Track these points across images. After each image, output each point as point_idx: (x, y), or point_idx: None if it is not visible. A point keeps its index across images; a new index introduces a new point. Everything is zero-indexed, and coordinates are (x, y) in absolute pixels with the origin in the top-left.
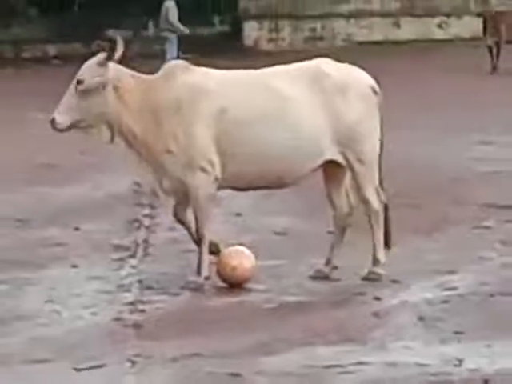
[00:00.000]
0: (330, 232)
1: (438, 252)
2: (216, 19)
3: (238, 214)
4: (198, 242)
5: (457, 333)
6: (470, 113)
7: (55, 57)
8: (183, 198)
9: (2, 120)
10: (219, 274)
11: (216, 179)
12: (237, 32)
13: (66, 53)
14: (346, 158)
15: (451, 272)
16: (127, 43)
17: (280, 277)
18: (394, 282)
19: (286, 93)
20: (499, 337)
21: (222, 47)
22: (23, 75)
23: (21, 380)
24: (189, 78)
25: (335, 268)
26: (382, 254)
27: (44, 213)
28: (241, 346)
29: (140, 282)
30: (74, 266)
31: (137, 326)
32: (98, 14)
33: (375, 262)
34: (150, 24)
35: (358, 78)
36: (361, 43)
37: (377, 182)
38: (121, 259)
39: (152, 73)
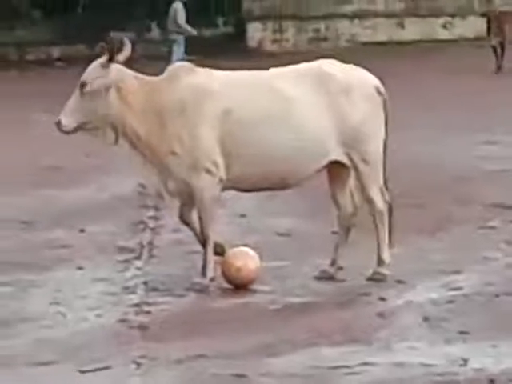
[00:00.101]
0: (334, 232)
1: (443, 252)
2: (220, 20)
3: (243, 215)
4: (203, 243)
5: (462, 333)
6: (475, 113)
7: (59, 59)
8: (188, 199)
9: (6, 122)
10: (224, 275)
11: (220, 180)
12: (240, 33)
13: (70, 55)
14: (351, 159)
15: (456, 272)
16: (131, 45)
17: (284, 278)
18: (399, 282)
19: (291, 94)
20: (504, 337)
21: (226, 48)
22: (27, 77)
23: (25, 382)
24: (193, 79)
25: (340, 268)
26: (386, 255)
27: (49, 215)
28: (246, 347)
29: (145, 283)
30: (79, 268)
31: (142, 327)
32: (102, 16)
33: (380, 262)
34: (154, 26)
35: (362, 78)
36: (365, 44)
37: (381, 182)
38: (126, 261)
39: (156, 75)
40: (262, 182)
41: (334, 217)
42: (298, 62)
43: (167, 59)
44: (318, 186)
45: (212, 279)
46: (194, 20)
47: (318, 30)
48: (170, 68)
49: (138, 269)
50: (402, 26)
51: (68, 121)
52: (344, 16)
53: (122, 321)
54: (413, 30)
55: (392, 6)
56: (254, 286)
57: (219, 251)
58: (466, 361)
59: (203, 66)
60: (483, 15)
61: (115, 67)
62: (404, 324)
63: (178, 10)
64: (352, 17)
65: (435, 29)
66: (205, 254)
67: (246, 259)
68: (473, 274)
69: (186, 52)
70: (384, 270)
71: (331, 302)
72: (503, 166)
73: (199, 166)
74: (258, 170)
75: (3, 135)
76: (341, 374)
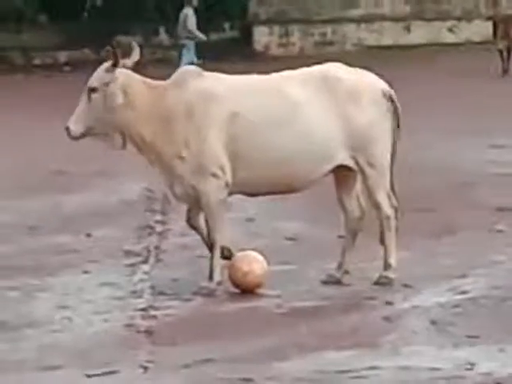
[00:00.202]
0: (341, 236)
1: (450, 256)
2: (226, 25)
3: (250, 220)
4: (210, 247)
5: (469, 337)
6: (482, 116)
7: (66, 63)
8: (194, 203)
9: (12, 126)
10: (231, 279)
11: (227, 185)
12: (247, 37)
13: (77, 59)
14: (357, 163)
15: (463, 276)
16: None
17: (291, 282)
18: (406, 286)
19: (298, 97)
20: None
21: (232, 53)
22: (33, 82)
23: None
24: (200, 83)
25: (347, 272)
26: (393, 259)
27: (55, 219)
28: (253, 351)
29: (152, 287)
30: (86, 273)
31: (149, 331)
32: (109, 21)
33: (387, 266)
34: (162, 30)
35: (369, 82)
36: (371, 48)
37: (388, 187)
38: (133, 265)
39: (163, 79)
40: (269, 186)
41: (341, 221)
42: (304, 66)
43: (177, 64)
44: (324, 190)
45: (219, 283)
46: (201, 24)
47: (324, 34)
48: (178, 72)
49: (145, 273)
50: (408, 29)
51: (76, 126)
52: (350, 20)
53: (129, 325)
54: (419, 33)
55: (398, 9)
56: (261, 290)
57: (227, 255)
58: (473, 365)
59: (210, 70)
60: (489, 19)
61: (122, 72)
62: (411, 328)
63: (189, 15)
64: (358, 21)
65: (441, 32)
66: (212, 258)
67: (252, 263)
68: (480, 278)
69: (199, 57)
70: (391, 274)
71: (338, 306)
72: (510, 170)
73: (206, 170)
74: (265, 173)
75: (8, 139)
76: (347, 378)
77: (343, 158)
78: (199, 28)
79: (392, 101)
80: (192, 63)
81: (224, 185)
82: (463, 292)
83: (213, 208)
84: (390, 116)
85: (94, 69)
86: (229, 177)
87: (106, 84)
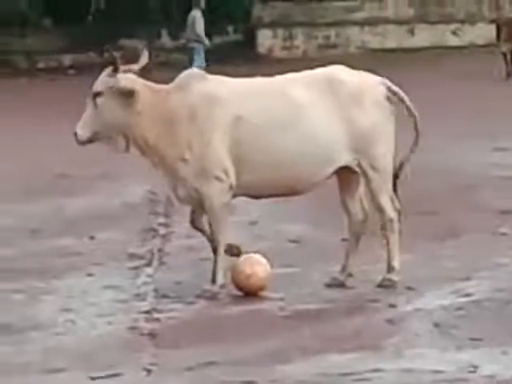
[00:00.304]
0: (344, 239)
1: (454, 258)
2: (230, 28)
3: (253, 222)
4: (214, 250)
5: (472, 339)
6: (485, 119)
7: (70, 67)
8: (198, 205)
9: (16, 130)
10: (234, 282)
11: (231, 188)
12: (250, 40)
13: (81, 63)
14: (360, 165)
15: (467, 278)
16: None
17: (294, 284)
18: (409, 288)
19: (302, 100)
20: None
21: (236, 55)
22: (38, 85)
23: None
24: (204, 86)
25: (350, 275)
26: (396, 261)
27: (59, 222)
28: (256, 354)
29: (155, 290)
30: (90, 275)
31: (152, 334)
32: (113, 24)
33: (390, 269)
34: (165, 33)
35: (371, 84)
36: (375, 51)
37: (391, 189)
38: (136, 268)
39: (166, 83)
40: (272, 188)
41: (345, 224)
42: (307, 69)
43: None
44: (328, 192)
45: (222, 286)
46: (205, 27)
47: (327, 37)
48: (181, 75)
49: (149, 276)
50: (412, 32)
51: (83, 131)
52: (354, 23)
53: (133, 328)
54: (423, 36)
55: (402, 12)
56: (264, 293)
57: (236, 252)
58: (476, 367)
59: (213, 73)
60: (493, 22)
61: (125, 76)
62: (414, 331)
63: (197, 17)
64: (362, 23)
65: (445, 35)
66: (215, 261)
67: (255, 266)
68: (483, 281)
69: (205, 60)
70: (394, 277)
71: (341, 308)
72: None
73: (209, 173)
74: (269, 176)
75: (12, 142)
76: (351, 381)
77: (346, 159)
78: (206, 30)
79: (402, 101)
80: (201, 67)
81: (228, 188)
82: (467, 295)
83: (216, 211)
84: (394, 118)
85: (99, 72)
86: (232, 180)
87: (110, 88)
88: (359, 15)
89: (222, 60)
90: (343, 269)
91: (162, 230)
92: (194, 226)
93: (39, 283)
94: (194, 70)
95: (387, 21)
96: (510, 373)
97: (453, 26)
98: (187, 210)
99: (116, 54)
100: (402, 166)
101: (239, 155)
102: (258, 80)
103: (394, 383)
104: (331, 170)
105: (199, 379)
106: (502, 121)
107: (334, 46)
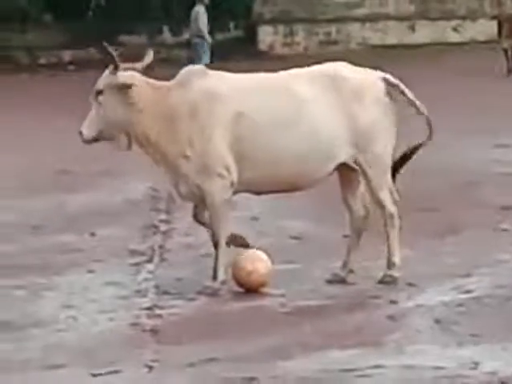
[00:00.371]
0: (345, 236)
1: (454, 255)
2: (231, 24)
3: (255, 218)
4: (215, 246)
5: (473, 336)
6: (486, 115)
7: (71, 62)
8: (200, 202)
9: (17, 126)
10: (235, 278)
11: (232, 184)
12: (251, 37)
13: (82, 58)
14: (360, 161)
15: (467, 275)
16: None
17: (296, 281)
18: (410, 285)
19: (303, 96)
20: None
21: (237, 52)
22: (38, 81)
23: None
24: (204, 82)
25: (351, 271)
26: (397, 257)
27: (60, 219)
28: (257, 351)
29: (156, 287)
30: (91, 272)
31: (153, 331)
32: (113, 20)
33: (391, 265)
34: (166, 29)
35: (372, 80)
36: (376, 47)
37: (390, 184)
38: (137, 264)
39: (167, 79)
40: (274, 184)
41: (346, 220)
42: (308, 65)
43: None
44: (329, 189)
45: (223, 282)
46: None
47: (328, 34)
48: (182, 72)
49: (150, 272)
50: (412, 29)
51: (88, 131)
52: (355, 19)
53: (134, 324)
54: (424, 33)
55: (403, 9)
56: (265, 290)
57: (242, 243)
58: (477, 364)
59: (214, 69)
60: (494, 18)
61: (126, 73)
62: (415, 327)
63: (200, 13)
64: (363, 20)
65: (446, 32)
66: (216, 257)
67: (257, 262)
68: (484, 277)
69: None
70: (395, 273)
71: (342, 305)
72: None
73: (211, 169)
74: (270, 172)
75: (13, 138)
76: (352, 377)
77: (347, 156)
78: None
79: (404, 95)
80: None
81: (229, 184)
82: (467, 291)
83: (218, 207)
84: (394, 115)
85: (99, 68)
86: (234, 176)
87: (111, 86)
88: (360, 11)
89: (223, 56)
90: (344, 265)
91: (164, 227)
92: (197, 220)
93: (40, 279)
94: (194, 67)
95: (388, 17)
96: (510, 369)
97: (454, 23)
98: (188, 206)
99: (114, 52)
100: (406, 157)
101: (240, 152)
102: (260, 76)
103: (395, 379)
104: (332, 166)
105: (200, 375)
106: (504, 117)
107: (335, 43)
